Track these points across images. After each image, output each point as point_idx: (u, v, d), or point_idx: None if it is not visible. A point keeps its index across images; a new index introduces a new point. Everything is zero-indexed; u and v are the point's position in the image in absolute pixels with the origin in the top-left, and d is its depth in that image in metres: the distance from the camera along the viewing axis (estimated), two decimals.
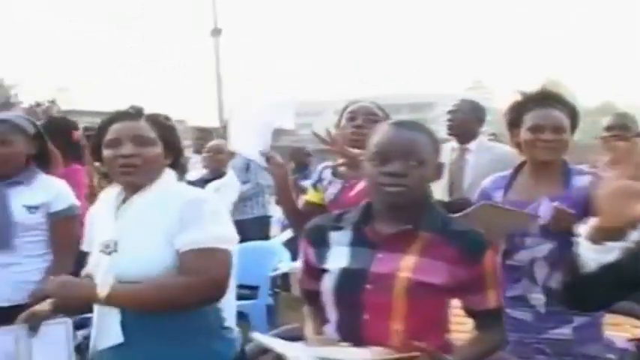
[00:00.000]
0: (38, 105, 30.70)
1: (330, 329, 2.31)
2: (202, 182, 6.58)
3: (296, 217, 3.49)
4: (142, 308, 2.37)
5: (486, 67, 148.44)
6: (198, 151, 8.27)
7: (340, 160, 3.39)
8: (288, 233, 6.68)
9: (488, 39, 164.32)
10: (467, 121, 5.65)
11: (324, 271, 2.26)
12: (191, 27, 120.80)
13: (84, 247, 2.66)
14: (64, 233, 3.55)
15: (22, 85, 44.70)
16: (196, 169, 7.55)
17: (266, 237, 7.55)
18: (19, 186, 3.56)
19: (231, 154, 6.87)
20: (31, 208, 3.51)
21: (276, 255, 6.52)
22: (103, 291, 2.33)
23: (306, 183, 3.94)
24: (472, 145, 5.59)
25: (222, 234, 2.40)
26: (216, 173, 7.10)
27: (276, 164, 3.44)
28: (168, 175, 2.51)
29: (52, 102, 30.59)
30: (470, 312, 2.33)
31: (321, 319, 2.38)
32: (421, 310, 2.15)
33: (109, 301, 2.35)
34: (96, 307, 2.50)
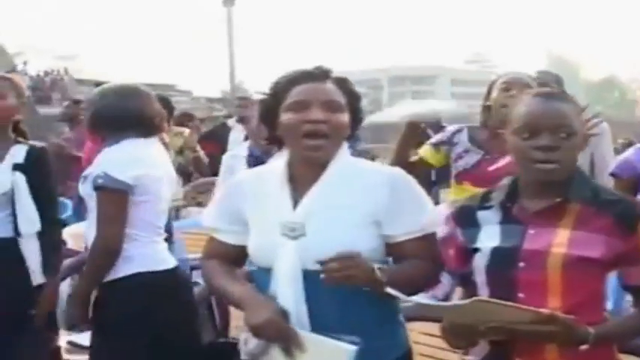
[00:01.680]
0: (47, 74, 31.54)
1: None
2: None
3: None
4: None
5: (486, 39, 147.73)
6: (242, 120, 7.56)
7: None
8: None
9: (488, 11, 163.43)
10: None
11: (476, 250, 2.15)
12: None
13: (209, 223, 2.35)
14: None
15: (26, 53, 45.31)
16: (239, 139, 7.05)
17: None
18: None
19: None
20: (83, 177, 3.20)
21: None
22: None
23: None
24: None
25: (436, 216, 2.25)
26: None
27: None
28: (345, 147, 2.24)
29: (65, 70, 31.39)
30: (628, 288, 2.15)
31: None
32: (578, 285, 2.04)
33: None
34: None
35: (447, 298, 3.03)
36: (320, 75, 2.20)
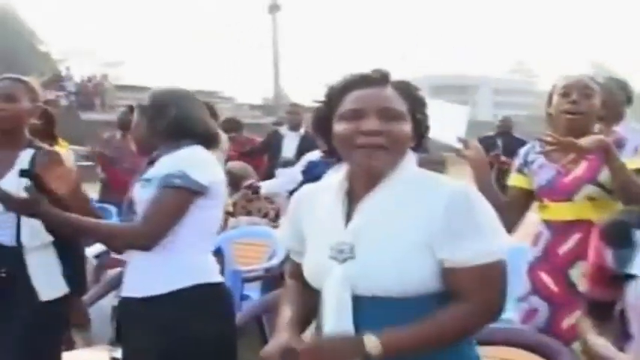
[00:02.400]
0: (90, 80, 31.90)
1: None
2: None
3: (500, 206, 2.68)
4: (421, 351, 1.86)
5: (529, 48, 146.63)
6: (294, 128, 7.87)
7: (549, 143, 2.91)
8: None
9: (531, 20, 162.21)
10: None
11: (629, 277, 1.89)
12: (248, 2, 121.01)
13: (282, 241, 2.29)
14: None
15: (70, 59, 46.01)
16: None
17: None
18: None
19: None
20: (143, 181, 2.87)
21: None
22: (374, 346, 1.78)
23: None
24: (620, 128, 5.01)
25: (502, 242, 1.89)
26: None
27: (474, 148, 3.16)
28: (411, 158, 2.00)
29: (104, 77, 31.81)
30: None
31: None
32: None
33: (386, 353, 1.81)
34: None
35: (548, 327, 2.85)
36: (378, 79, 1.94)
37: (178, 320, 2.60)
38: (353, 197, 1.94)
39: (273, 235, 4.95)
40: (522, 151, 3.29)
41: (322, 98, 2.00)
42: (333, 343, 1.79)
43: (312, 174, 4.73)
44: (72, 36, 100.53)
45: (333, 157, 2.03)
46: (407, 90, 1.95)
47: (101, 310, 3.37)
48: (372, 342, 1.76)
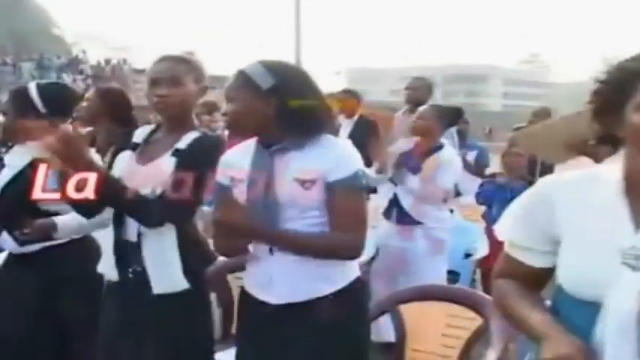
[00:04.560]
0: (107, 62, 31.73)
1: None
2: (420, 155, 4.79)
3: None
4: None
5: (543, 41, 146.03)
6: (349, 116, 7.47)
7: None
8: None
9: (544, 12, 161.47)
10: None
11: None
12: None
13: (506, 235, 1.91)
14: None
15: (81, 42, 45.77)
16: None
17: None
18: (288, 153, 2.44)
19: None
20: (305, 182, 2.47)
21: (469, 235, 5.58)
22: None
23: None
24: None
25: None
26: (429, 144, 4.85)
27: None
28: None
29: (123, 61, 31.66)
30: None
31: None
32: None
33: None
34: None
35: None
36: None
37: (340, 320, 2.43)
38: (636, 196, 1.68)
39: None
40: None
41: (606, 77, 1.75)
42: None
43: (408, 166, 4.55)
44: (81, 20, 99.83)
45: (606, 144, 1.79)
46: None
47: None
48: None
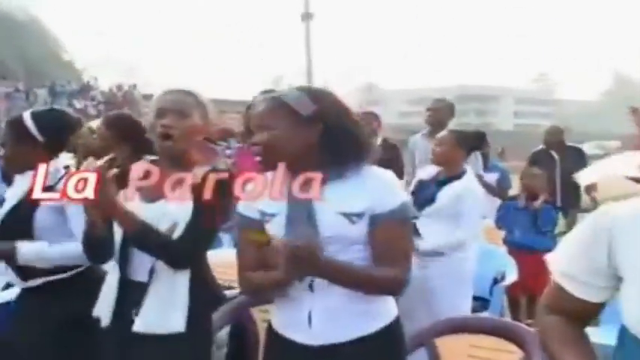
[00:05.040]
0: (120, 89, 31.78)
1: None
2: (437, 184, 4.56)
3: None
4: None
5: (552, 60, 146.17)
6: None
7: None
8: None
9: (554, 33, 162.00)
10: None
11: None
12: (281, 10, 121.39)
13: (560, 268, 1.74)
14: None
15: (90, 68, 45.92)
16: None
17: None
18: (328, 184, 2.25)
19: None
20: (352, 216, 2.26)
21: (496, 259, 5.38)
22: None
23: None
24: None
25: None
26: (452, 172, 4.57)
27: None
28: None
29: (133, 86, 31.69)
30: None
31: None
32: None
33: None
34: None
35: None
36: None
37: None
38: None
39: None
40: None
41: None
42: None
43: (422, 196, 4.32)
44: (91, 45, 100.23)
45: None
46: None
47: None
48: None
